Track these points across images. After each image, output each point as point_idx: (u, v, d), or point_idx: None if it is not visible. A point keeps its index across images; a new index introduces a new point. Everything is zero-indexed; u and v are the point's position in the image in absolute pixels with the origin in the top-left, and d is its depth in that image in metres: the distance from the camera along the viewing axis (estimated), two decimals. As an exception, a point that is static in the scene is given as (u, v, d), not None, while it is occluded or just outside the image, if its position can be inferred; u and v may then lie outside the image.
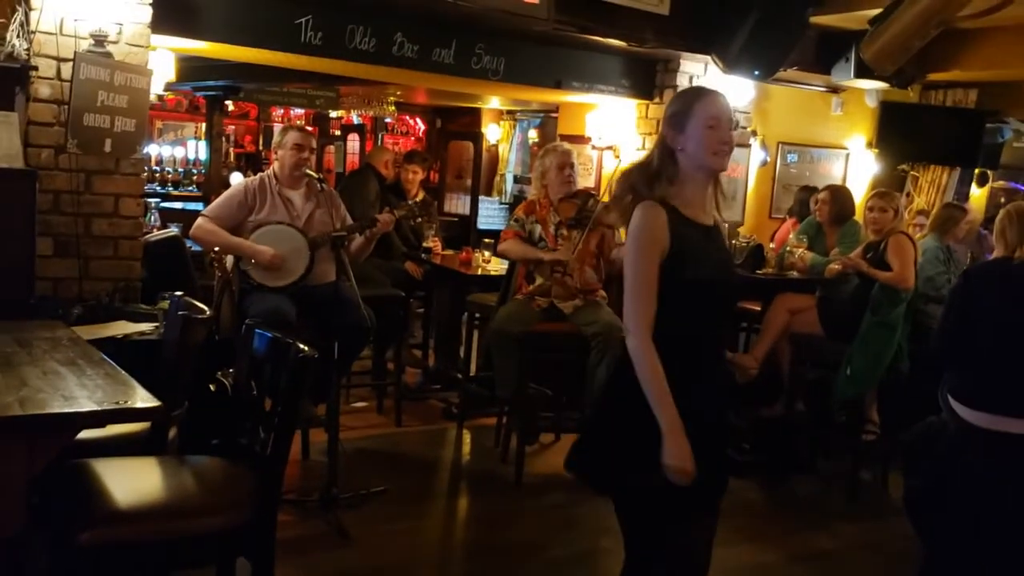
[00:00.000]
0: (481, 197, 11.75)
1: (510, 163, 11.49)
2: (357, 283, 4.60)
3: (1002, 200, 8.69)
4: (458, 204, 12.11)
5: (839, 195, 5.98)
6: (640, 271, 2.51)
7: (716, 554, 4.22)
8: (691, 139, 2.54)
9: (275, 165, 4.92)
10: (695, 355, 2.58)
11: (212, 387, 4.19)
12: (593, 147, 7.25)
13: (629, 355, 2.51)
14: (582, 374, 4.96)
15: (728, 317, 2.75)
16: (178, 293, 3.27)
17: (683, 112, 2.57)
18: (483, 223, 11.43)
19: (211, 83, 7.91)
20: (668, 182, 2.56)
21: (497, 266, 6.12)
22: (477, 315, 5.90)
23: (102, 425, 2.35)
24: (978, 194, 8.71)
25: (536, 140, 11.15)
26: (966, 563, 3.60)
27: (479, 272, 6.25)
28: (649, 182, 2.57)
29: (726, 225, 2.77)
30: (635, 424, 2.48)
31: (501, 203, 11.52)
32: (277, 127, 8.60)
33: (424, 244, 6.82)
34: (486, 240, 6.76)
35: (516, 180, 11.48)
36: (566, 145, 5.39)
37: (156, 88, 4.81)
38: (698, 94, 2.62)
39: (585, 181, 6.81)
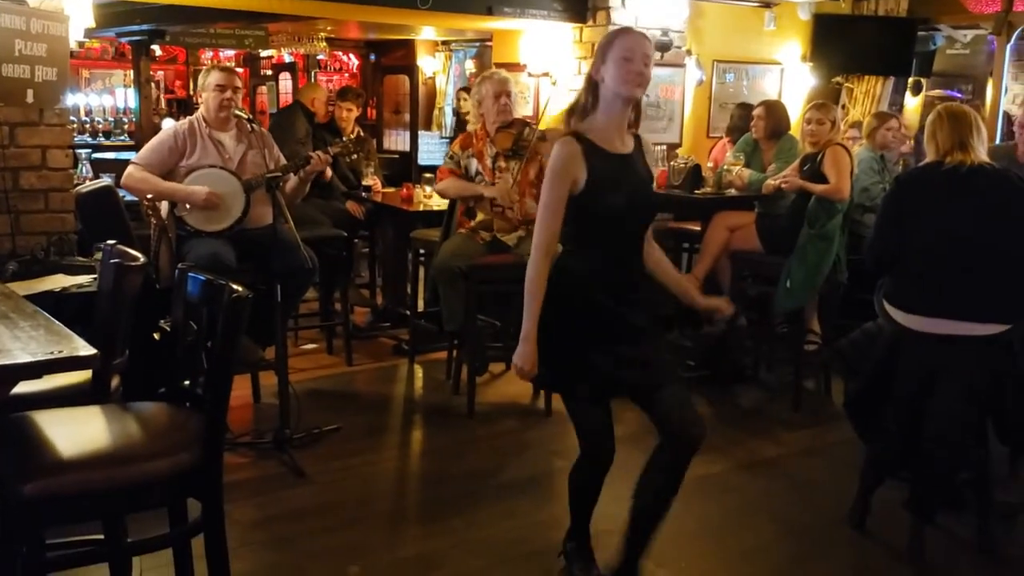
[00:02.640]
0: (420, 132, 11.62)
1: (448, 96, 11.34)
2: (297, 225, 4.57)
3: (936, 107, 8.80)
4: (397, 140, 11.97)
5: (774, 110, 6.02)
6: (549, 200, 2.89)
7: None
8: (608, 70, 2.87)
9: (202, 108, 4.82)
10: (611, 271, 2.97)
11: (156, 335, 4.17)
12: (529, 74, 7.20)
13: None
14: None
15: (642, 236, 3.09)
16: (110, 242, 3.21)
17: (606, 44, 2.90)
18: (424, 158, 11.31)
19: (134, 28, 7.67)
20: (590, 113, 2.92)
21: (439, 201, 6.10)
22: (422, 251, 5.89)
23: (38, 376, 2.32)
24: (913, 104, 8.81)
25: (473, 71, 11.01)
26: (903, 460, 3.73)
27: (421, 208, 6.23)
28: (575, 115, 2.94)
29: (653, 147, 3.05)
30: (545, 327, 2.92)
31: (441, 137, 11.40)
32: (207, 70, 8.40)
33: (363, 182, 6.77)
34: (427, 175, 6.72)
35: (455, 113, 11.35)
36: (503, 73, 5.32)
37: (76, 35, 4.66)
38: (620, 31, 2.97)
39: (522, 109, 6.75)
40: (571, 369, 3.00)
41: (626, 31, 2.96)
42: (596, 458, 3.15)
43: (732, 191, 5.83)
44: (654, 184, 3.12)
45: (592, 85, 2.92)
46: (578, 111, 2.94)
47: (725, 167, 5.92)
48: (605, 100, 2.90)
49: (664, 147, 6.32)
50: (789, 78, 7.74)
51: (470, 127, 5.38)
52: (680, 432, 3.02)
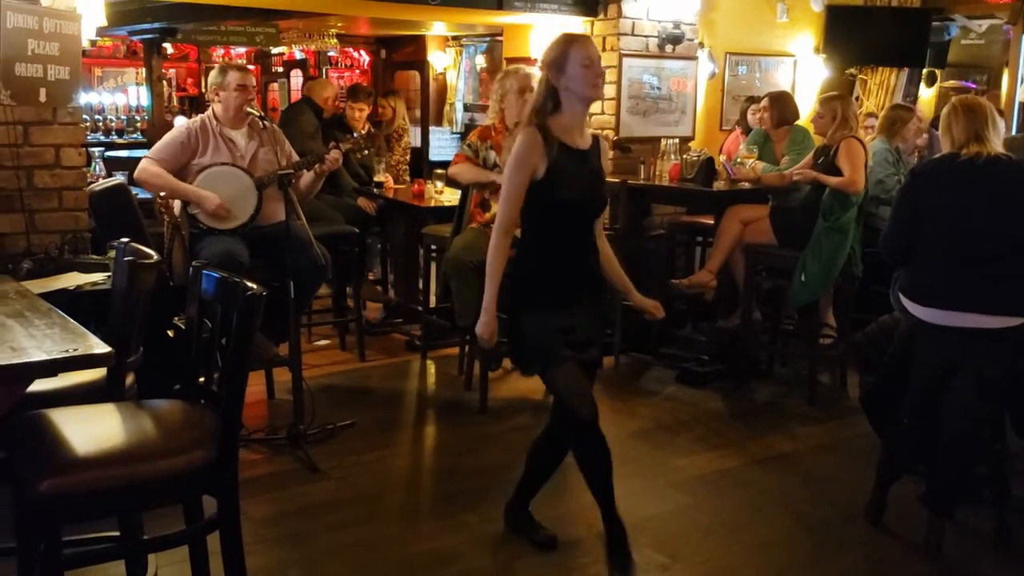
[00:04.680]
0: (432, 127, 11.61)
1: (459, 91, 11.32)
2: (309, 221, 4.57)
3: (951, 100, 8.74)
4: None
5: (779, 100, 5.99)
6: (512, 184, 3.20)
7: (677, 463, 4.40)
8: (572, 78, 3.16)
9: (216, 107, 4.82)
10: (564, 254, 3.29)
11: (170, 333, 4.18)
12: (540, 69, 7.16)
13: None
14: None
15: (593, 227, 3.40)
16: (124, 240, 3.21)
17: (561, 58, 3.18)
18: (435, 154, 11.28)
19: (146, 26, 7.69)
20: (550, 113, 3.20)
21: (450, 196, 6.10)
22: (433, 247, 5.89)
23: (53, 374, 2.33)
24: (927, 96, 8.76)
25: (484, 66, 10.99)
26: (920, 455, 3.71)
27: (432, 204, 6.22)
28: (537, 114, 3.21)
29: (606, 138, 3.55)
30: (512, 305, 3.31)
31: (452, 133, 11.38)
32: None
33: (375, 179, 6.77)
34: (438, 171, 6.72)
35: (466, 108, 11.32)
36: (527, 68, 5.31)
37: (88, 34, 4.66)
38: (571, 41, 3.22)
39: (534, 104, 6.73)
40: (538, 342, 3.28)
41: (572, 40, 3.24)
42: (577, 422, 3.30)
43: (745, 184, 5.80)
44: (605, 180, 3.44)
45: (552, 91, 3.19)
46: (542, 113, 3.20)
47: (738, 160, 5.89)
48: (567, 103, 3.20)
49: (676, 140, 6.29)
50: (802, 70, 7.70)
51: (487, 122, 5.37)
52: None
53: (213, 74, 4.90)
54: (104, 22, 4.82)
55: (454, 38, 11.10)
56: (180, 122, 6.20)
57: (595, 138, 3.38)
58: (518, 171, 3.18)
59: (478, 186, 5.16)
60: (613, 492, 3.39)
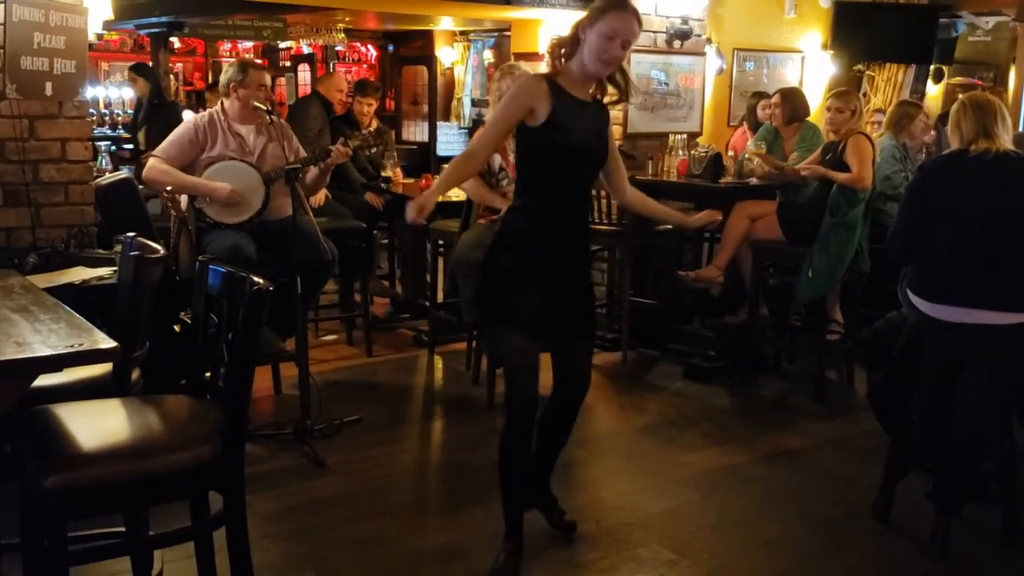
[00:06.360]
0: (439, 123, 11.60)
1: (467, 86, 11.33)
2: (316, 216, 4.57)
3: (959, 96, 8.72)
4: (416, 131, 11.96)
5: (790, 96, 5.96)
6: (498, 117, 3.14)
7: (684, 459, 4.39)
8: (590, 41, 3.05)
9: (227, 102, 4.79)
10: (554, 221, 3.17)
11: (176, 328, 4.19)
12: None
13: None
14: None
15: (589, 186, 3.37)
16: (130, 234, 3.21)
17: (597, 14, 3.05)
18: (443, 149, 11.30)
19: (153, 20, 7.70)
20: (566, 59, 3.12)
21: (458, 191, 6.07)
22: (440, 242, 5.88)
23: (58, 369, 2.32)
24: (934, 92, 8.73)
25: (491, 61, 10.99)
26: (927, 451, 3.69)
27: (440, 199, 6.18)
28: (556, 57, 3.14)
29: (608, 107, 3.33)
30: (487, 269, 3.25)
31: (460, 128, 11.39)
32: (226, 62, 8.40)
33: (383, 174, 6.76)
34: (446, 166, 6.69)
35: (474, 103, 11.33)
36: (523, 66, 5.26)
37: (94, 27, 4.67)
38: (617, 5, 3.06)
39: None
40: (503, 307, 3.20)
41: (620, 7, 3.07)
42: (521, 411, 3.26)
43: (754, 180, 5.78)
44: (608, 138, 3.32)
45: (575, 38, 3.09)
46: (561, 54, 3.13)
47: (747, 155, 5.87)
48: (579, 57, 3.09)
49: (684, 136, 6.28)
50: (810, 66, 7.68)
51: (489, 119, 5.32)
52: (572, 380, 3.40)
53: (232, 71, 4.81)
54: (111, 15, 4.83)
55: (462, 33, 11.11)
56: (187, 116, 6.19)
57: (602, 104, 3.25)
58: (510, 107, 3.08)
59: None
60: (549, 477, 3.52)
